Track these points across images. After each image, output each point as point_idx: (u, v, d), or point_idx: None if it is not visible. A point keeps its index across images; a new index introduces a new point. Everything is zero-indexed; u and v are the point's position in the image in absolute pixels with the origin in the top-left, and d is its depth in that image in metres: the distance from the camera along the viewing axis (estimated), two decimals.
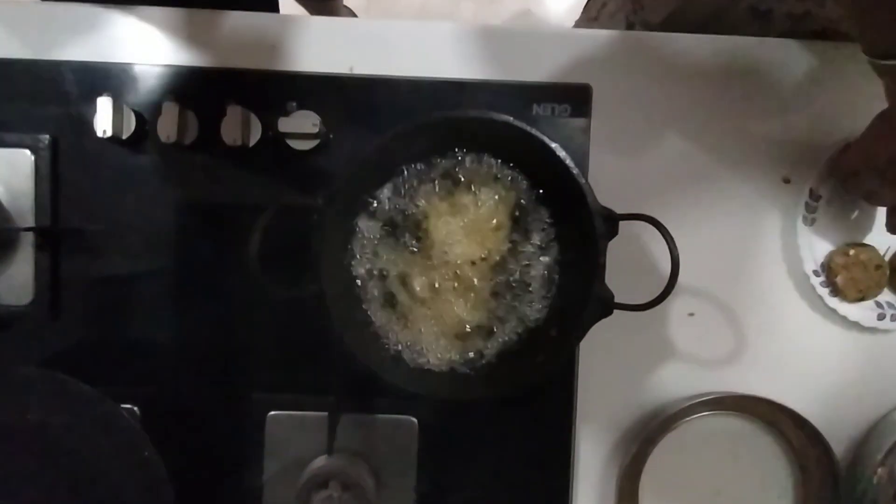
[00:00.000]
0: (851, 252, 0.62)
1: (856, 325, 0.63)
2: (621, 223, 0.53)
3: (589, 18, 0.95)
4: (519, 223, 0.57)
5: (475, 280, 0.57)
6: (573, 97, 0.63)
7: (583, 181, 0.52)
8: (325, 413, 0.60)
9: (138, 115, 0.60)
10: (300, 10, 1.36)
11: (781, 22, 0.66)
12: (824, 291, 0.63)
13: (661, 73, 0.64)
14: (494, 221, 0.57)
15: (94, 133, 0.59)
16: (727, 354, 0.65)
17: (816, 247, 0.63)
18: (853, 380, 0.65)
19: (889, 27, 0.46)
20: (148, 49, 0.63)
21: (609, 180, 0.59)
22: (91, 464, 0.54)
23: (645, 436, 0.62)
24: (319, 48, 0.63)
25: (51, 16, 0.63)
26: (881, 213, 0.61)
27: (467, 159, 0.57)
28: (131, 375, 0.63)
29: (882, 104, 0.51)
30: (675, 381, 0.64)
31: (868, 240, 0.64)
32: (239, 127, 0.59)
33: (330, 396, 0.61)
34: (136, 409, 0.61)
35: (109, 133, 0.59)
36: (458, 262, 0.56)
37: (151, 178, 0.62)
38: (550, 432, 0.64)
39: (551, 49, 0.64)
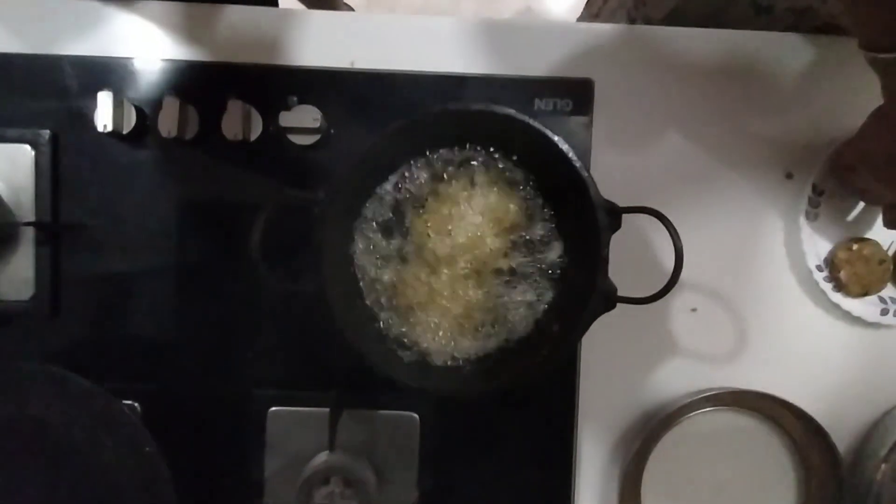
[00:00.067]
0: (854, 247, 0.62)
1: (859, 321, 0.63)
2: (623, 217, 0.52)
3: (591, 15, 0.95)
4: (521, 217, 0.57)
5: (477, 274, 0.56)
6: (575, 92, 0.63)
7: (585, 174, 0.52)
8: (327, 409, 0.60)
9: (139, 110, 0.60)
10: (300, 7, 1.35)
11: (783, 17, 0.66)
12: (827, 287, 0.62)
13: (664, 68, 0.64)
14: (496, 216, 0.56)
15: (95, 128, 0.59)
16: (730, 350, 0.65)
17: (819, 242, 0.63)
18: (857, 375, 0.65)
19: (883, 20, 0.45)
20: (149, 44, 0.63)
21: (611, 175, 0.59)
22: (92, 460, 0.54)
23: (647, 432, 0.61)
24: (320, 43, 0.63)
25: (51, 10, 0.62)
26: None
27: (469, 153, 0.57)
28: (132, 371, 0.62)
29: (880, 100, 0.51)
30: (678, 377, 0.64)
31: (871, 234, 0.63)
32: (240, 122, 0.59)
33: (331, 392, 0.61)
34: (136, 405, 0.61)
35: (110, 128, 0.59)
36: (461, 256, 0.56)
37: (152, 173, 0.62)
38: (552, 428, 0.64)
39: (553, 43, 0.64)
